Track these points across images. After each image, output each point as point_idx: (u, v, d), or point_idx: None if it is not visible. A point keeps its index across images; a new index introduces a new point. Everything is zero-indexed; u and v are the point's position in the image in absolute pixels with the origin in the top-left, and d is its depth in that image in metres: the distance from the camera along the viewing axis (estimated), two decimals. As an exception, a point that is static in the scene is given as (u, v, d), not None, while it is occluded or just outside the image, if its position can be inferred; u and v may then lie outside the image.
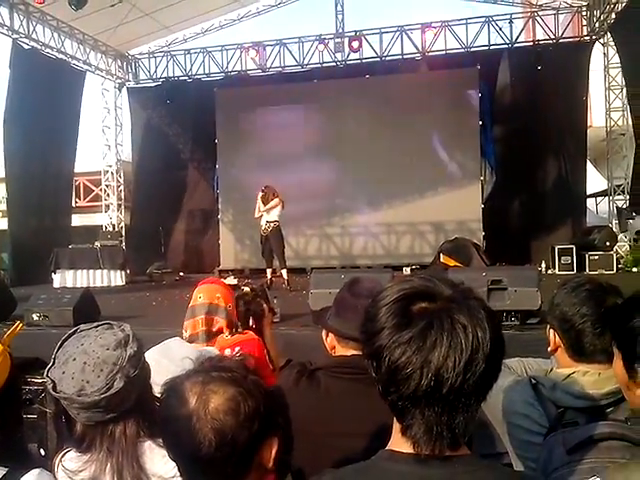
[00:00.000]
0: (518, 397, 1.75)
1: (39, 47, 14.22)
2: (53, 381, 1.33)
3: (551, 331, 1.81)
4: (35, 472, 1.32)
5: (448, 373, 0.97)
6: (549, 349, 1.84)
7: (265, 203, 10.51)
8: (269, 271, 10.73)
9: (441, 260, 12.27)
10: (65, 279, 12.57)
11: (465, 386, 0.98)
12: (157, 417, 1.30)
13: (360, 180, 14.62)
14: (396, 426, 1.07)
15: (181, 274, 14.34)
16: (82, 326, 1.39)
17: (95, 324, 1.39)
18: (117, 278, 12.78)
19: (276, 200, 10.47)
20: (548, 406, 1.68)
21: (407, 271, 12.34)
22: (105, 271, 12.72)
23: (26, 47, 13.74)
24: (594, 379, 1.65)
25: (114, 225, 17.03)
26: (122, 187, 17.26)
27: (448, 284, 1.07)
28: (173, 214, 16.36)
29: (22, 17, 13.62)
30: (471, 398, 1.00)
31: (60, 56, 14.86)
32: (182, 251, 16.10)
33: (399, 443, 1.05)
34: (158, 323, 6.57)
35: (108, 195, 17.38)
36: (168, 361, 1.85)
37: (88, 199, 20.61)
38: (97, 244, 13.24)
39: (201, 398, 1.21)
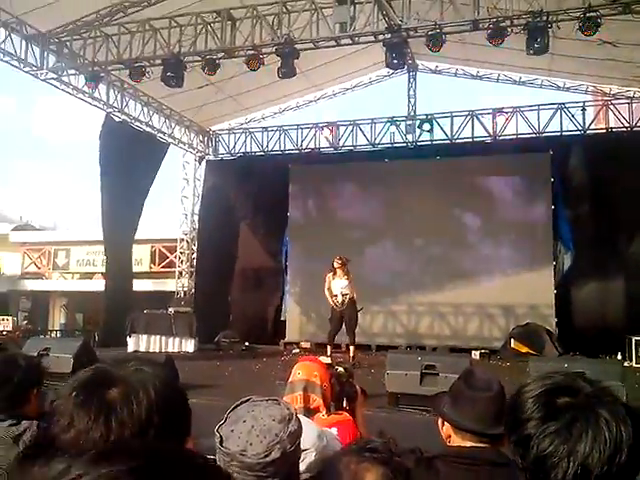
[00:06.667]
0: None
1: (129, 120, 15.17)
2: (221, 436, 1.45)
3: None
4: None
5: (593, 464, 1.06)
6: None
7: (341, 275, 10.13)
8: (329, 348, 10.36)
9: (512, 345, 12.03)
10: (139, 343, 12.78)
11: (609, 475, 1.06)
12: None
13: (427, 259, 14.69)
14: None
15: (246, 344, 14.38)
16: (254, 397, 1.53)
17: (266, 398, 1.53)
18: (188, 345, 12.92)
19: (351, 276, 10.22)
20: None
21: (476, 355, 12.06)
22: (177, 337, 12.90)
23: (117, 119, 14.70)
24: None
25: (185, 292, 17.37)
26: (195, 255, 17.62)
27: (587, 381, 1.19)
28: (239, 283, 16.54)
29: (117, 93, 14.65)
30: None
31: (147, 129, 15.77)
32: (247, 321, 16.01)
33: None
34: (233, 395, 6.63)
35: (182, 262, 17.84)
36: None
37: (163, 265, 21.22)
38: (171, 310, 13.51)
39: (356, 475, 1.34)
